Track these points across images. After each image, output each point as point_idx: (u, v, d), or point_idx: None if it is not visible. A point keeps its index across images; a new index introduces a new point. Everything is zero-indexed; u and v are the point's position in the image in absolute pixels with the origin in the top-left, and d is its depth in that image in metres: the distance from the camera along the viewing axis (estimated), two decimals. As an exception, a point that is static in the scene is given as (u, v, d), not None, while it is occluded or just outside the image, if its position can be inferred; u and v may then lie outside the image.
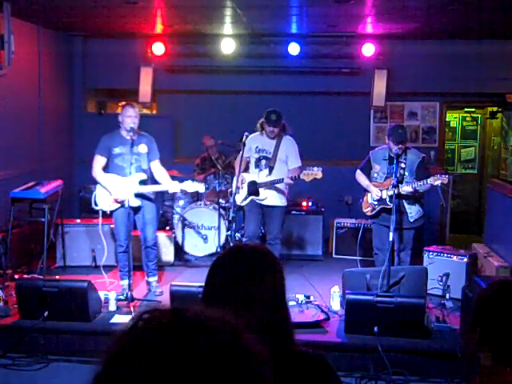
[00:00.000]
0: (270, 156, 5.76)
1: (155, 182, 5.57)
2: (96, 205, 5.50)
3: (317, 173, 5.43)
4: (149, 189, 5.43)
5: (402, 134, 5.42)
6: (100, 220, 5.63)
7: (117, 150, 5.39)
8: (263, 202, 5.80)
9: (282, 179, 5.63)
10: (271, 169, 5.77)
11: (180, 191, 6.39)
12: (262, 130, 5.81)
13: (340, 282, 5.35)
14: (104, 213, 5.55)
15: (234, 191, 5.86)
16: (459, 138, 10.44)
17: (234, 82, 8.51)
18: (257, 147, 5.80)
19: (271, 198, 5.78)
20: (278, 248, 5.88)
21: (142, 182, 5.38)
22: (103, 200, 5.45)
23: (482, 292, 1.82)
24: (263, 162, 5.79)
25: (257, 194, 5.75)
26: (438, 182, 5.11)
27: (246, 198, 5.81)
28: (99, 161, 5.43)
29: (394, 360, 4.29)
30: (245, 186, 5.84)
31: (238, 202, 5.90)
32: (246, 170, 5.99)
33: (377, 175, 5.64)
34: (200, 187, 5.52)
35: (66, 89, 8.38)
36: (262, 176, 5.77)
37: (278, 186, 5.72)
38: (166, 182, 5.49)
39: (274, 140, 5.77)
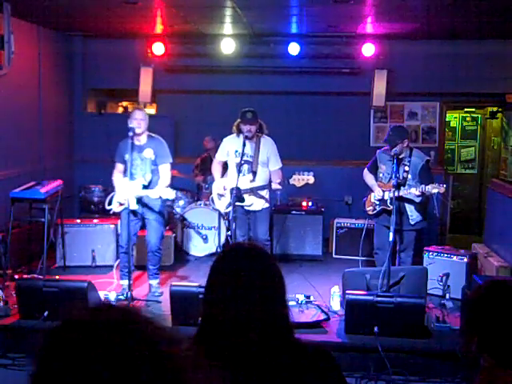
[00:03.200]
0: (252, 160, 5.52)
1: None
2: (109, 204, 5.54)
3: (308, 177, 5.30)
4: (145, 193, 5.39)
5: (392, 137, 5.34)
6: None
7: (127, 157, 5.42)
8: (250, 208, 5.63)
9: (268, 186, 5.50)
10: (254, 174, 5.52)
11: (175, 192, 6.36)
12: (238, 133, 5.53)
13: (340, 282, 5.34)
14: (114, 213, 5.64)
15: (214, 198, 5.74)
16: (459, 138, 10.44)
17: (234, 82, 8.51)
18: (236, 151, 5.54)
19: (257, 203, 5.61)
20: (269, 249, 5.85)
21: (145, 187, 5.38)
22: (115, 201, 5.53)
23: (472, 294, 1.79)
24: (246, 166, 5.51)
25: (242, 200, 5.51)
26: (435, 191, 5.11)
27: (230, 205, 5.44)
28: (117, 167, 5.60)
29: (394, 360, 4.28)
30: (227, 192, 5.59)
31: (223, 210, 5.74)
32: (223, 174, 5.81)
33: (382, 175, 5.64)
34: (171, 194, 5.26)
35: (65, 89, 8.38)
36: (245, 181, 5.49)
37: (260, 191, 5.58)
38: (157, 188, 5.42)
39: (253, 142, 5.52)
